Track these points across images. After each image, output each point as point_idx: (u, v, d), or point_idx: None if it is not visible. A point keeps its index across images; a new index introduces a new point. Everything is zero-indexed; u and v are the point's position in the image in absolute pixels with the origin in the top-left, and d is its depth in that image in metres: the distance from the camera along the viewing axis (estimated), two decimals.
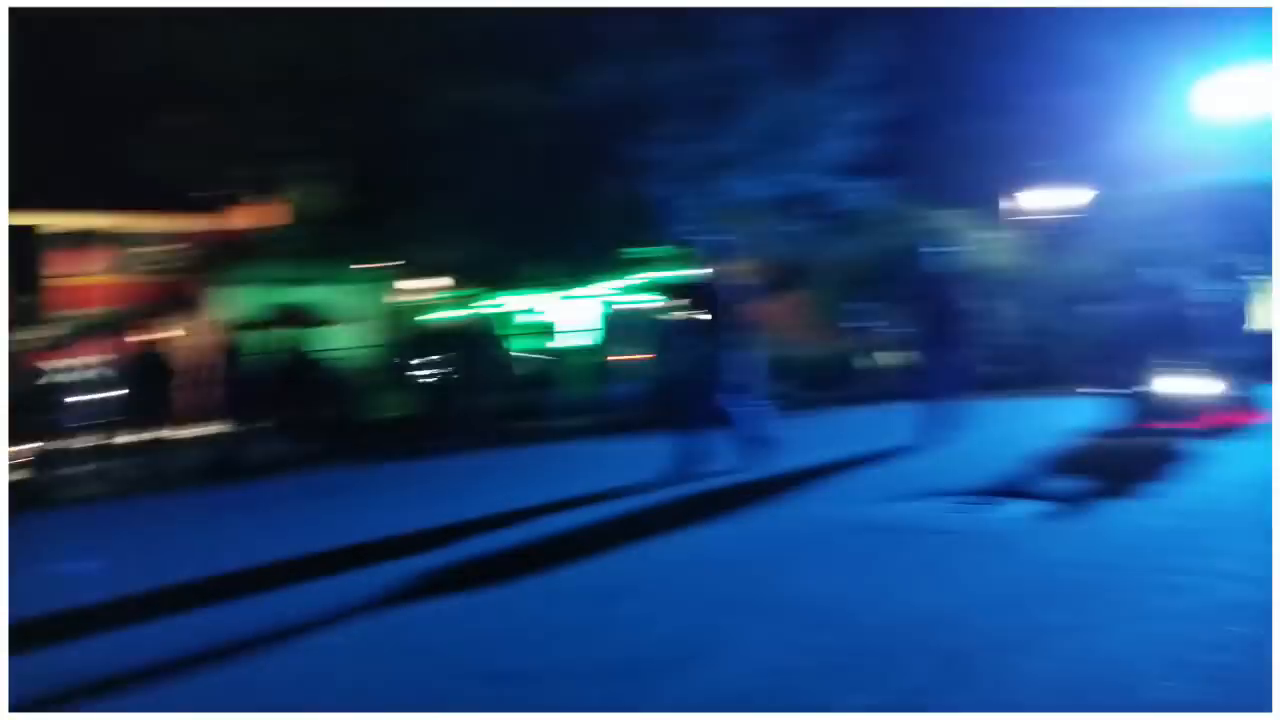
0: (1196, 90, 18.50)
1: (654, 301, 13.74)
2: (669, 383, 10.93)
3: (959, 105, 24.23)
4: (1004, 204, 18.76)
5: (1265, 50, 16.73)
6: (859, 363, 14.75)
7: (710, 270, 7.16)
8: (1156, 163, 17.81)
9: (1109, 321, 9.24)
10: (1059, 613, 2.90)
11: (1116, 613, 2.86)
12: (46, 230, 18.68)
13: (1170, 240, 15.31)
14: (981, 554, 3.83)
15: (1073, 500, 4.64)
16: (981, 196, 20.61)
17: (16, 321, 12.31)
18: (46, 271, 18.32)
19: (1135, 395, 7.31)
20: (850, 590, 3.41)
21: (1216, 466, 5.46)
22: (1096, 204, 18.85)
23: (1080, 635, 2.69)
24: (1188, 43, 17.65)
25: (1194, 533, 3.78)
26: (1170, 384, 7.14)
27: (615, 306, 13.93)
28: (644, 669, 2.77)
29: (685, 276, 7.20)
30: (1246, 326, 9.22)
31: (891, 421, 7.79)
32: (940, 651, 2.64)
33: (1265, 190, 15.63)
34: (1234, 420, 7.63)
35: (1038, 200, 18.24)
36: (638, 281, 8.78)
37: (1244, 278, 10.22)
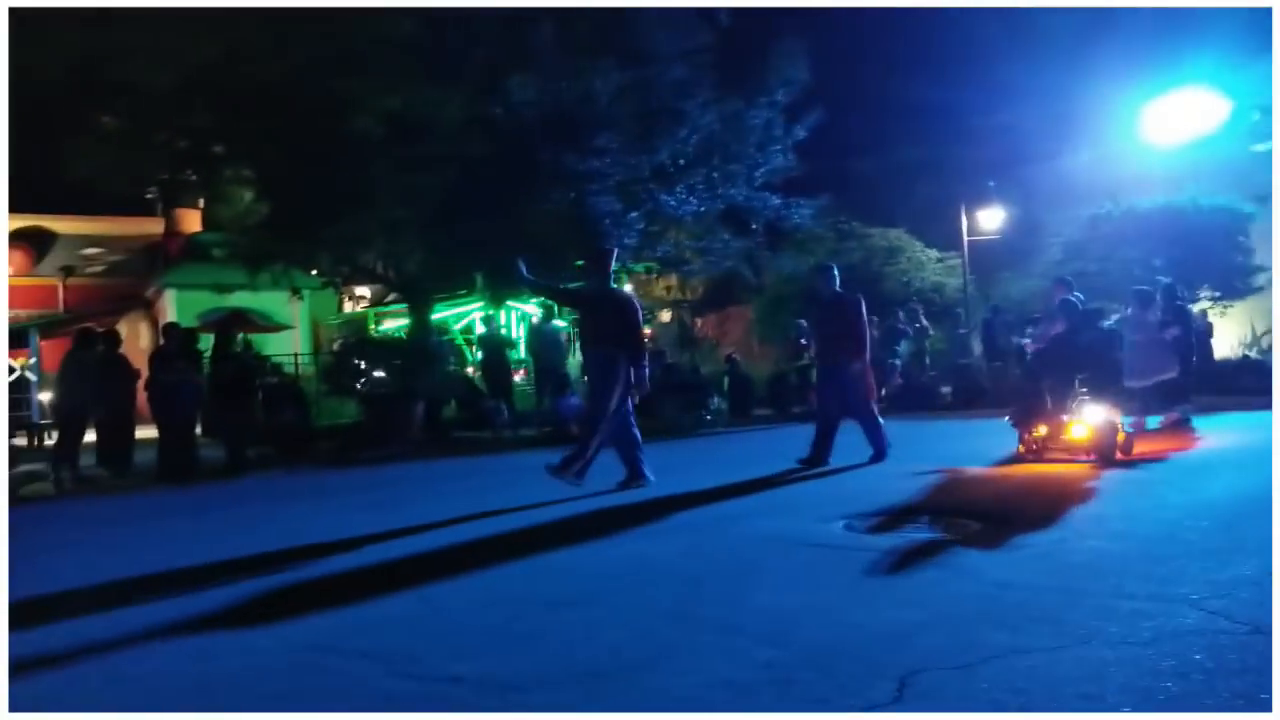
0: (1145, 113, 19.14)
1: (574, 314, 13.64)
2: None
3: (903, 126, 24.72)
4: (948, 224, 19.11)
5: (1210, 73, 17.40)
6: (798, 379, 14.81)
7: (618, 284, 7.08)
8: (1104, 185, 18.34)
9: (1038, 345, 9.18)
10: (1010, 635, 2.85)
11: (1071, 636, 2.81)
12: None
13: (1114, 263, 15.75)
14: (924, 573, 3.79)
15: (1014, 523, 4.63)
16: (925, 217, 21.02)
17: None
18: None
19: (1066, 420, 7.16)
20: (794, 606, 3.35)
21: (1165, 493, 5.53)
22: (1041, 226, 19.31)
23: (1034, 658, 2.63)
24: (1137, 66, 18.28)
25: (1150, 559, 3.77)
26: (1097, 410, 7.02)
27: (553, 319, 13.83)
28: (595, 677, 2.68)
29: (597, 289, 6.90)
30: (1180, 352, 9.36)
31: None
32: (891, 669, 2.57)
33: (1210, 213, 16.14)
34: (1169, 446, 7.74)
35: (982, 221, 18.58)
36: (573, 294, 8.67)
37: (1184, 301, 10.39)
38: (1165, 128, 19.19)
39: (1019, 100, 22.28)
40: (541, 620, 3.32)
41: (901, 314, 15.49)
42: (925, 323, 15.55)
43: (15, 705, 2.63)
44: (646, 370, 6.75)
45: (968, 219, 18.47)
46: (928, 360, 15.49)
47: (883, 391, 14.85)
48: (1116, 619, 2.95)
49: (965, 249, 18.56)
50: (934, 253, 20.72)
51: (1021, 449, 7.33)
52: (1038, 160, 21.62)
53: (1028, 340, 12.99)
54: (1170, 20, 17.77)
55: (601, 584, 3.82)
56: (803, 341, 14.78)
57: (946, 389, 15.54)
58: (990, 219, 18.76)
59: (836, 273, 8.06)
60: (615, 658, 2.84)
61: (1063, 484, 6.08)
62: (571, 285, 7.14)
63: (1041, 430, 7.20)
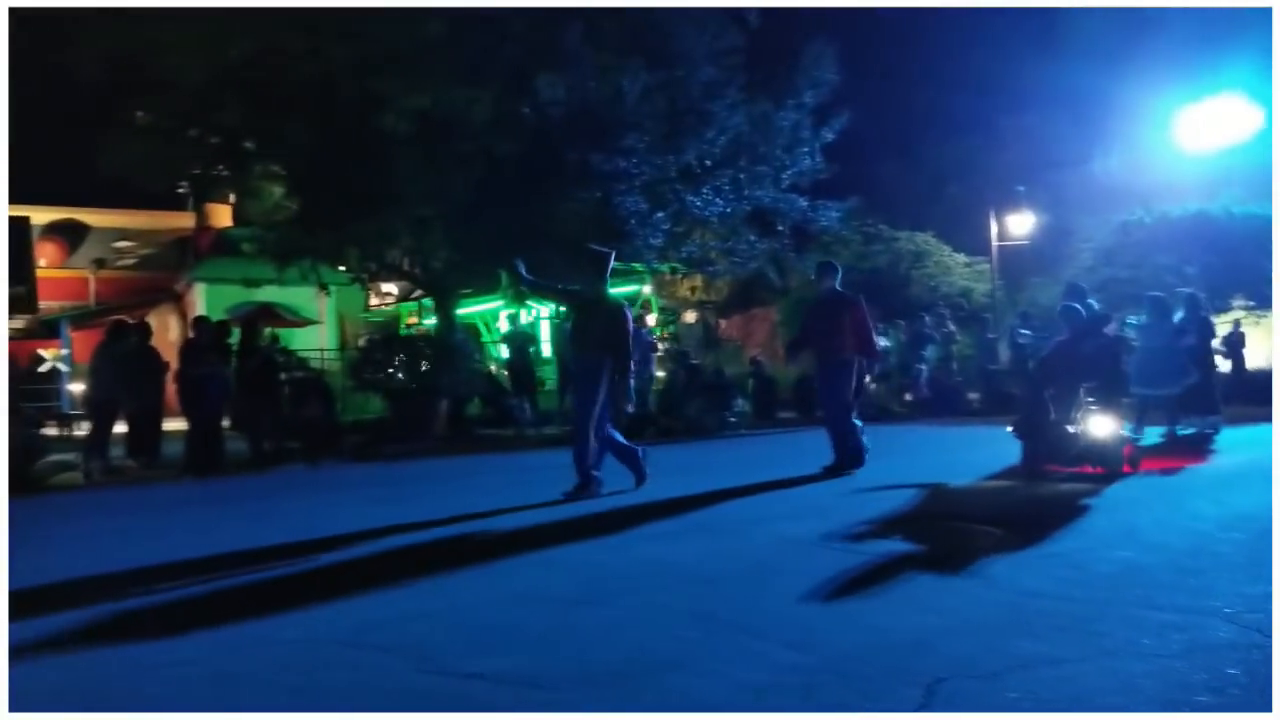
0: (1178, 119, 18.80)
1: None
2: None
3: (932, 129, 24.42)
4: (977, 229, 18.88)
5: (1245, 80, 17.05)
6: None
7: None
8: (1136, 191, 18.02)
9: (1045, 353, 8.94)
10: (1038, 644, 2.80)
11: (1100, 647, 2.76)
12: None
13: (1146, 270, 15.48)
14: (949, 579, 3.74)
15: (1039, 531, 4.55)
16: (954, 221, 20.78)
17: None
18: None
19: (1070, 430, 6.76)
20: (816, 610, 3.33)
21: (1197, 504, 5.42)
22: (1072, 231, 19.01)
23: (1062, 668, 2.59)
24: (1171, 72, 17.95)
25: (1182, 570, 3.70)
26: (1104, 421, 6.63)
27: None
28: (614, 677, 2.66)
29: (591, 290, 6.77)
30: (1196, 360, 9.10)
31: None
32: (916, 676, 2.53)
33: (1244, 221, 15.81)
34: (1187, 459, 7.48)
35: (1011, 225, 18.33)
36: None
37: (1205, 312, 10.09)
38: (1199, 134, 18.86)
39: (1051, 104, 22.00)
40: (560, 619, 3.32)
41: (928, 319, 15.33)
42: (952, 328, 15.37)
43: (33, 692, 2.64)
44: (632, 384, 6.64)
45: (997, 223, 18.22)
46: (955, 365, 15.31)
47: (907, 396, 14.74)
48: (1147, 630, 2.89)
49: (994, 254, 18.33)
50: (962, 257, 20.48)
51: (1024, 461, 6.84)
52: (1069, 165, 21.33)
53: (1025, 333, 12.70)
54: (1205, 26, 17.46)
55: (621, 583, 3.80)
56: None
57: (974, 395, 15.35)
58: (1020, 224, 18.49)
59: (839, 271, 7.78)
60: (635, 658, 2.82)
61: (1089, 494, 5.95)
62: (571, 287, 7.03)
63: (1045, 441, 6.75)
